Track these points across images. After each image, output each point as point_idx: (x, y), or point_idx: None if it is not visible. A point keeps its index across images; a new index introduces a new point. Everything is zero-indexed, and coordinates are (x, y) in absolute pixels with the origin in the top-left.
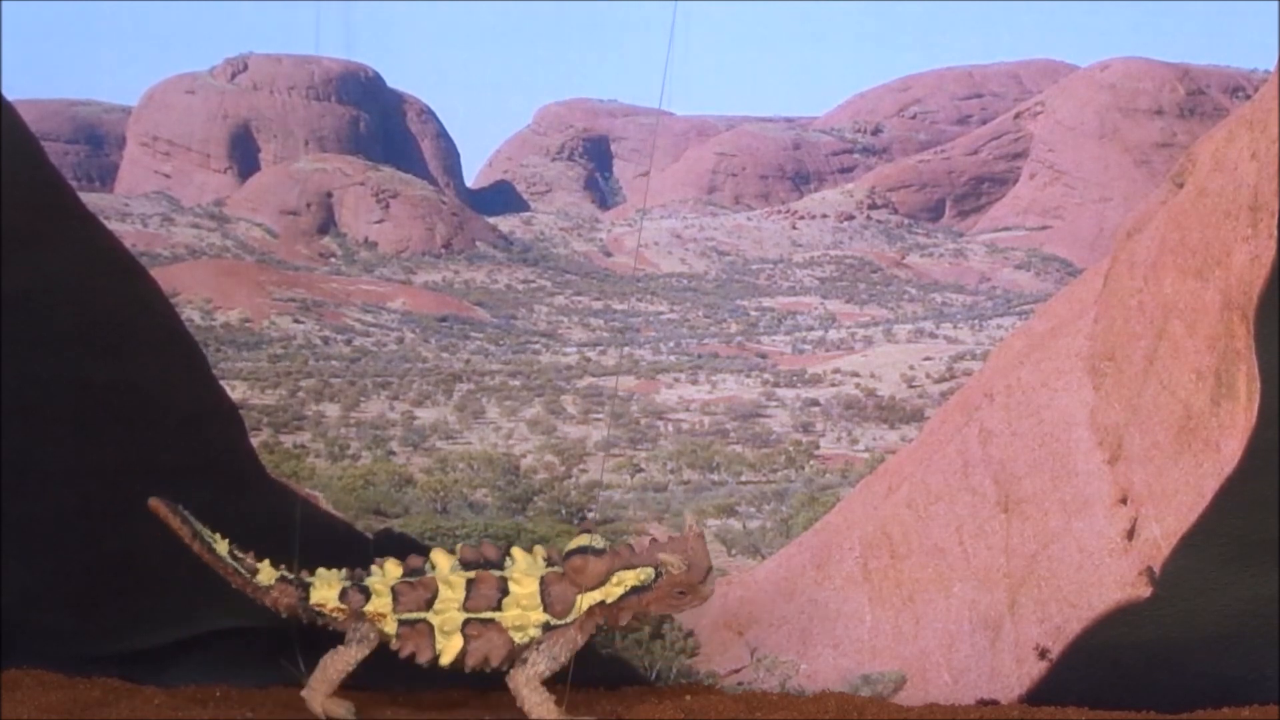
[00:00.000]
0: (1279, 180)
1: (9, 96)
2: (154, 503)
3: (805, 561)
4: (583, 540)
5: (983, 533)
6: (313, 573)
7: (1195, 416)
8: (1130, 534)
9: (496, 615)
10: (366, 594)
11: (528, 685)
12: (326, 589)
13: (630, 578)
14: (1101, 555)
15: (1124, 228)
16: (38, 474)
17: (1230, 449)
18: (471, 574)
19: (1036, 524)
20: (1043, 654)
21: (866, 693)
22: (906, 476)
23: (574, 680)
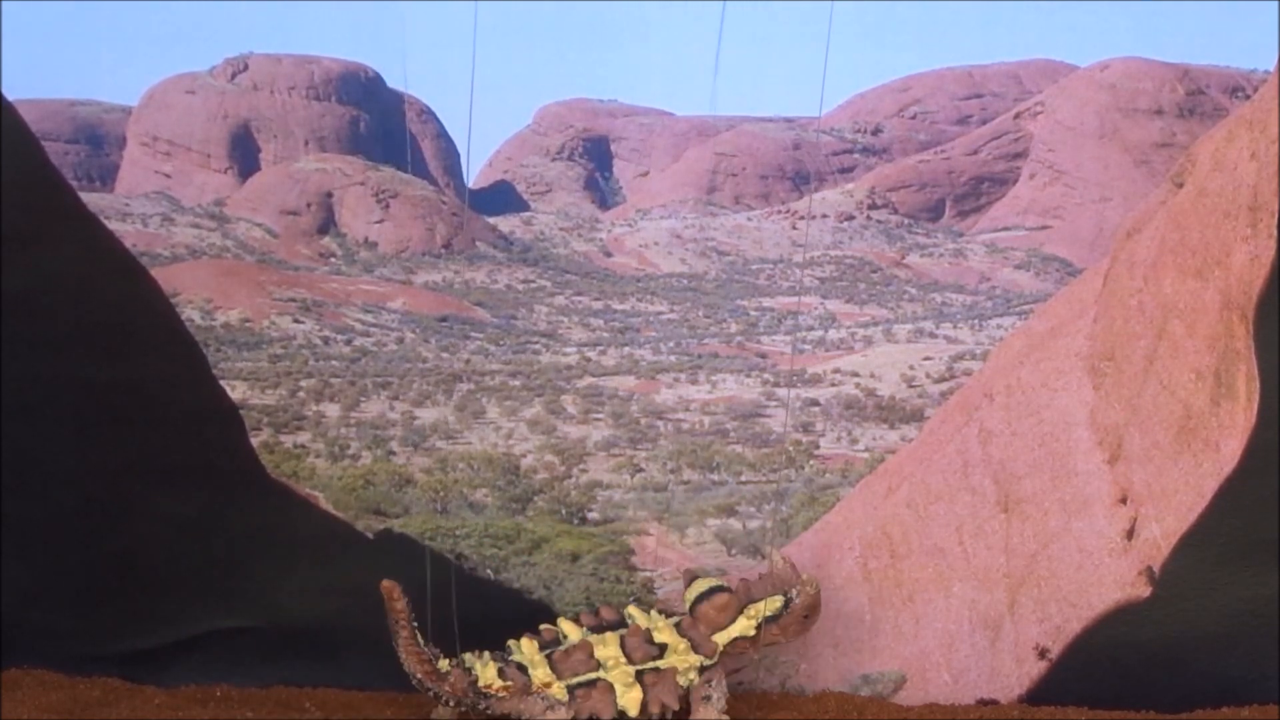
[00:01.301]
0: (1279, 180)
1: (9, 96)
2: (388, 585)
3: (805, 561)
4: (707, 582)
5: (983, 533)
6: (459, 658)
7: (1195, 416)
8: (1130, 534)
9: (664, 663)
10: (522, 669)
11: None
12: (487, 669)
13: (761, 608)
14: (1101, 555)
15: (1124, 228)
16: (38, 474)
17: (1230, 449)
18: (614, 632)
19: (1036, 524)
20: (1043, 654)
21: (866, 693)
22: (906, 476)
23: None
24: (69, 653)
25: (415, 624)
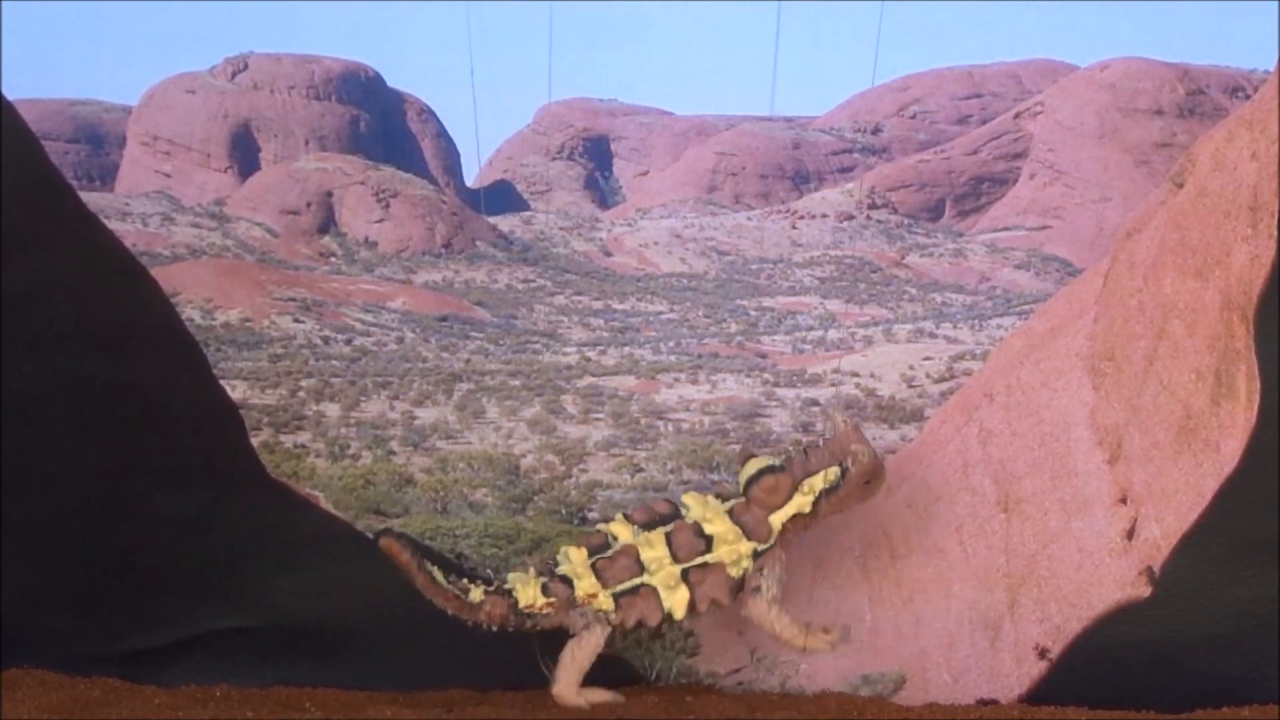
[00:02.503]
0: (1279, 180)
1: (9, 96)
2: (385, 542)
3: (805, 561)
4: (759, 463)
5: (983, 533)
6: (504, 580)
7: (1195, 416)
8: (1130, 534)
9: (711, 558)
10: (567, 582)
11: (770, 610)
12: (528, 589)
13: (818, 482)
14: (1101, 555)
15: (1124, 228)
16: (38, 474)
17: (1230, 449)
18: (661, 529)
19: (1036, 524)
20: (1042, 654)
21: (866, 693)
22: (906, 476)
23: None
24: (69, 653)
25: (428, 565)
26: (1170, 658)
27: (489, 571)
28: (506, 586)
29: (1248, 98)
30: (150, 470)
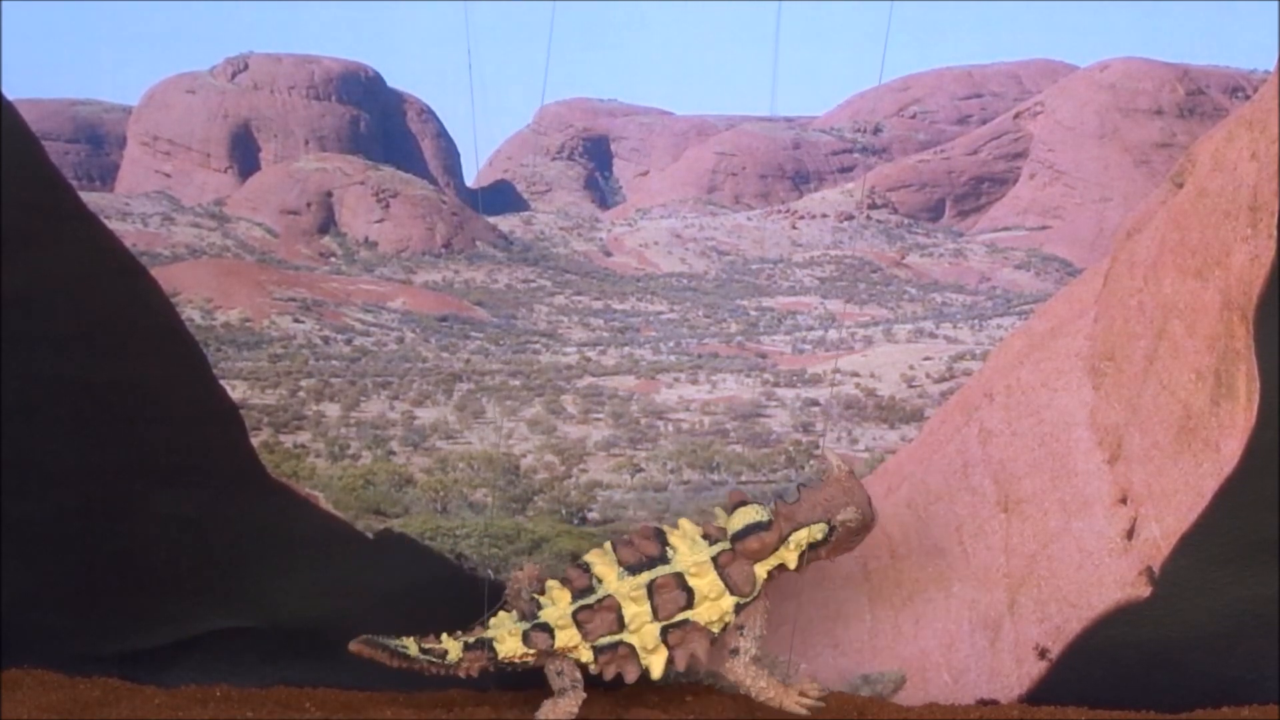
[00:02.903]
0: (1279, 180)
1: (9, 96)
2: (354, 647)
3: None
4: (748, 515)
5: (983, 533)
6: (485, 627)
7: (1195, 416)
8: (1130, 534)
9: (693, 616)
10: (549, 630)
11: (747, 672)
12: (509, 640)
13: (804, 537)
14: (1101, 555)
15: (1124, 228)
16: (38, 474)
17: (1230, 449)
18: (646, 578)
19: (1036, 524)
20: (1042, 654)
21: (866, 693)
22: (906, 476)
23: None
24: (69, 653)
25: (401, 646)
26: (1170, 658)
27: (489, 572)
28: (488, 636)
29: (1248, 98)
30: (150, 470)
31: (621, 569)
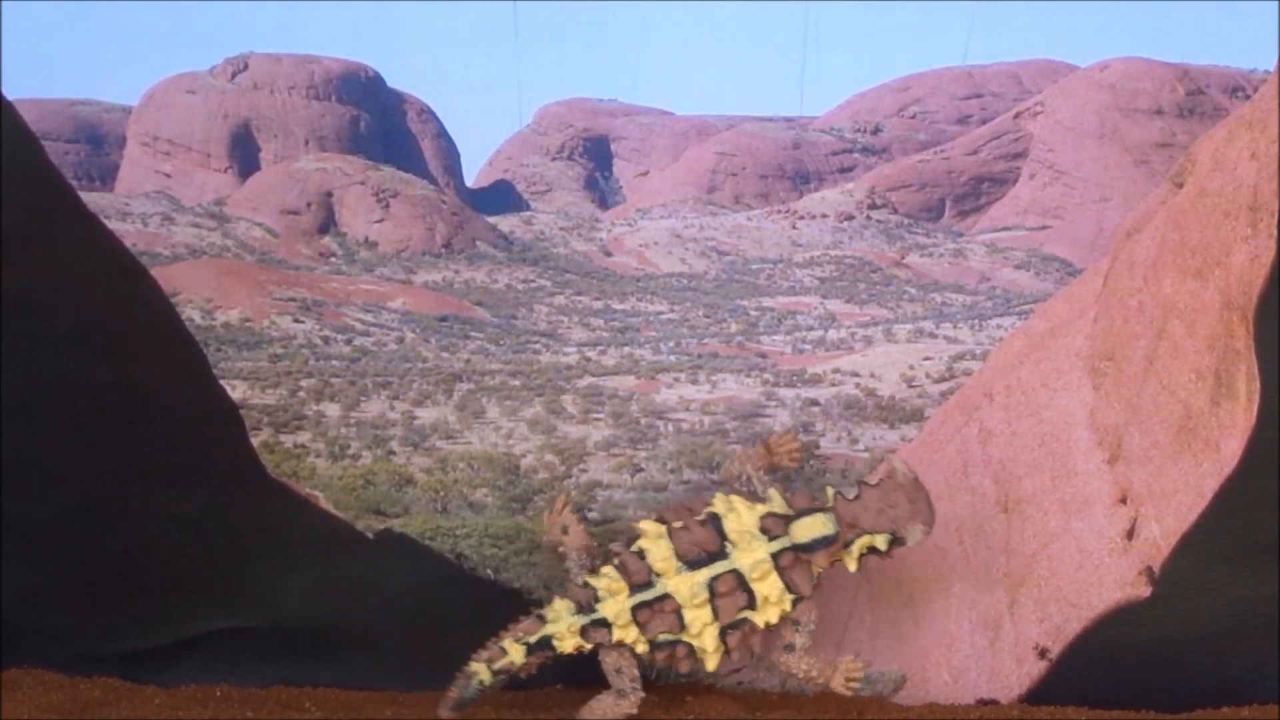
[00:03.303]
0: (1279, 180)
1: (9, 96)
2: (446, 715)
3: None
4: (815, 528)
5: (983, 533)
6: (542, 620)
7: (1195, 416)
8: (1130, 534)
9: (752, 616)
10: (608, 625)
11: (800, 665)
12: (569, 638)
13: (866, 543)
14: (1101, 555)
15: (1124, 228)
16: (38, 474)
17: (1230, 449)
18: (706, 575)
19: (1036, 524)
20: (1042, 654)
21: (866, 693)
22: None
23: (573, 680)
24: (69, 653)
25: (473, 696)
26: (1170, 658)
27: (489, 572)
28: (548, 633)
29: (1248, 98)
30: (150, 470)
31: (680, 564)
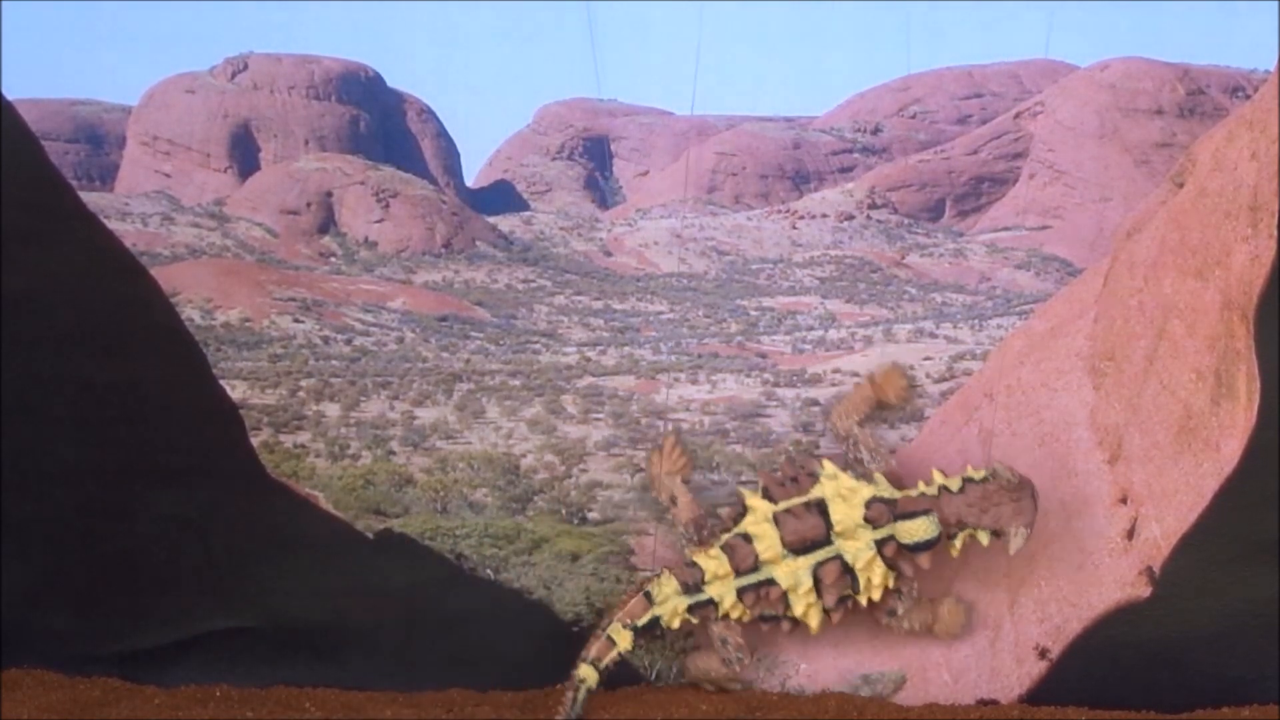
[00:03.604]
0: (1279, 180)
1: (9, 96)
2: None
3: None
4: (920, 530)
5: None
6: (649, 599)
7: (1195, 416)
8: (1130, 534)
9: (857, 596)
10: (715, 604)
11: (902, 626)
12: (676, 619)
13: (968, 536)
14: (1101, 555)
15: (1124, 228)
16: (38, 474)
17: (1230, 449)
18: (810, 562)
19: (1037, 524)
20: (1043, 654)
21: (866, 693)
22: (906, 477)
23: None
24: (69, 653)
25: (584, 696)
26: (1170, 658)
27: (489, 572)
28: (656, 615)
29: (1248, 98)
30: (150, 470)
31: (785, 551)
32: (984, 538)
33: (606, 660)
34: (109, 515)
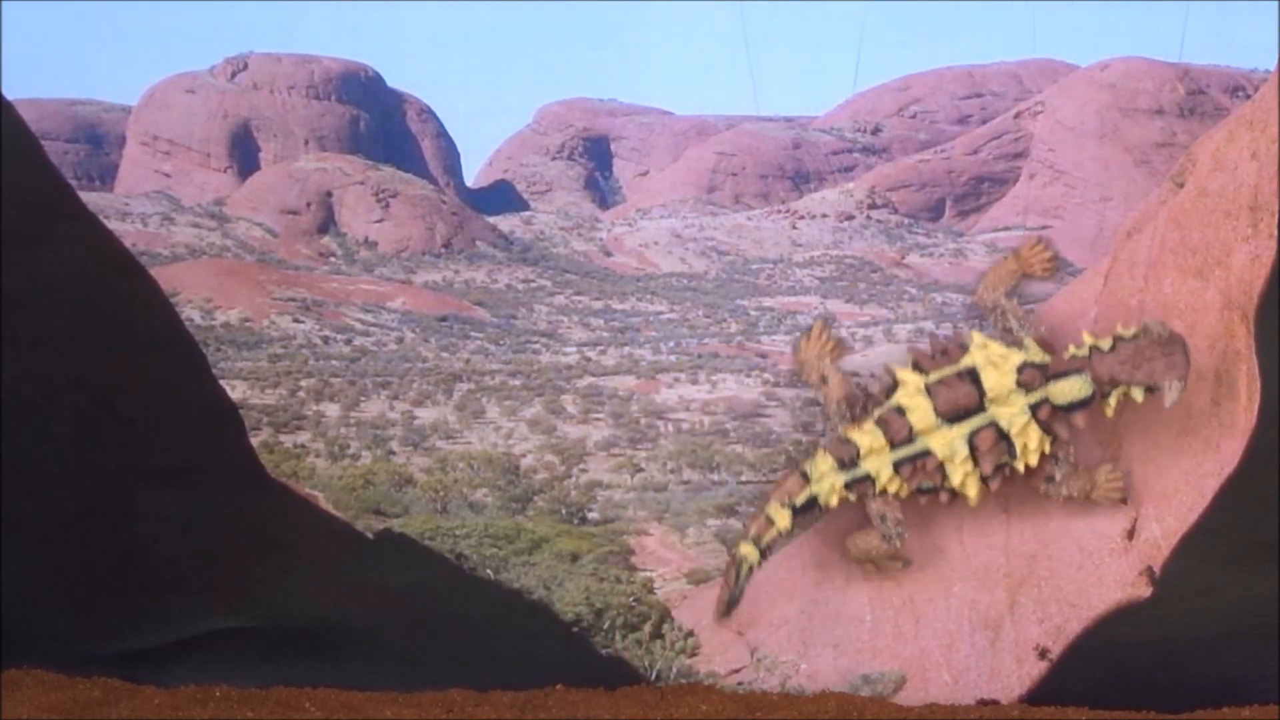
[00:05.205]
0: (1279, 180)
1: (9, 96)
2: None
3: (805, 561)
4: (1073, 390)
5: (983, 533)
6: (805, 478)
7: (1195, 416)
8: (1130, 534)
9: (1014, 463)
10: (872, 480)
11: (1060, 491)
12: (833, 496)
13: (1122, 392)
14: (1101, 555)
15: (1124, 228)
16: (38, 474)
17: (1230, 449)
18: (965, 430)
19: (1036, 524)
20: (1043, 654)
21: (866, 693)
22: None
23: (573, 680)
24: (69, 653)
25: (745, 574)
26: (1170, 658)
27: (489, 572)
28: (814, 494)
29: (1248, 97)
30: (150, 470)
31: (940, 420)
32: (1138, 394)
33: (766, 539)
34: (109, 515)
